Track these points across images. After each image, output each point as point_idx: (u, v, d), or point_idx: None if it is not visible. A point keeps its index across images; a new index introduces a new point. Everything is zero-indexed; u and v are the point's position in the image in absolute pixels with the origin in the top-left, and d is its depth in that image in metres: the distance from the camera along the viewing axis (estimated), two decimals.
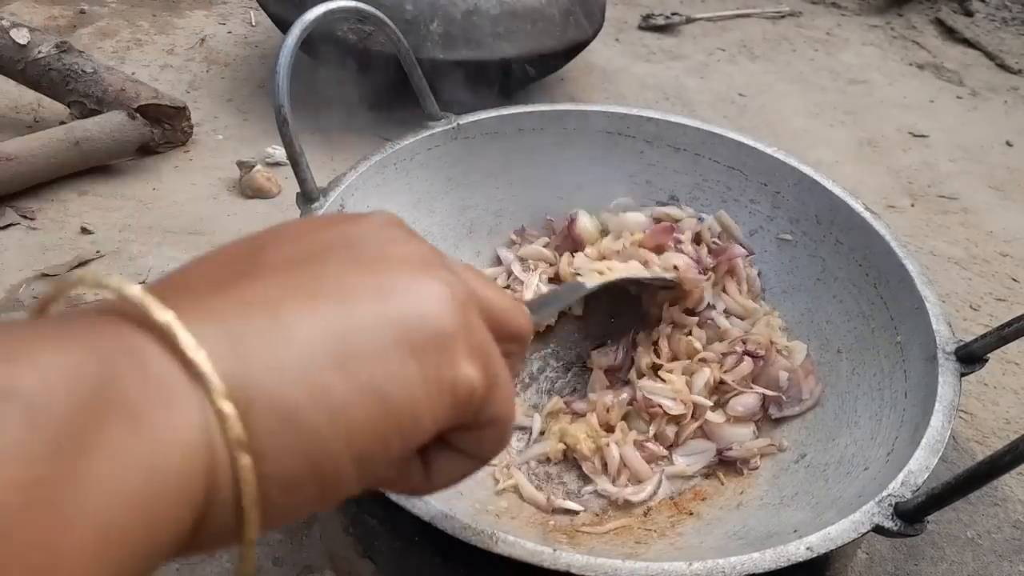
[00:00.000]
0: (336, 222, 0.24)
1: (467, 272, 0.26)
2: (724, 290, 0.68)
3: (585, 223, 0.71)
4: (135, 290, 0.18)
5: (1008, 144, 1.28)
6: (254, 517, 0.18)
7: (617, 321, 0.69)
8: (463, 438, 0.25)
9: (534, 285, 0.69)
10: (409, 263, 0.23)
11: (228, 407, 0.18)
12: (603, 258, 0.68)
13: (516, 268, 0.71)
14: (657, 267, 0.65)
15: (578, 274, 0.65)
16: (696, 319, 0.65)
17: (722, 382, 0.61)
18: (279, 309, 0.20)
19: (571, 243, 0.71)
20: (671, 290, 0.65)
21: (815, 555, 0.39)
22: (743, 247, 0.69)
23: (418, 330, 0.21)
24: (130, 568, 0.16)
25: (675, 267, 0.64)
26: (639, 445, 0.59)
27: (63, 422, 0.15)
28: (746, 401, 0.60)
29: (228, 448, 0.18)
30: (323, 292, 0.21)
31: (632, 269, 0.64)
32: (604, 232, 0.72)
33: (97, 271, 0.20)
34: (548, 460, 0.60)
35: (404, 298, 0.21)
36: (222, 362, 0.18)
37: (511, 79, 1.08)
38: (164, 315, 0.18)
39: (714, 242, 0.70)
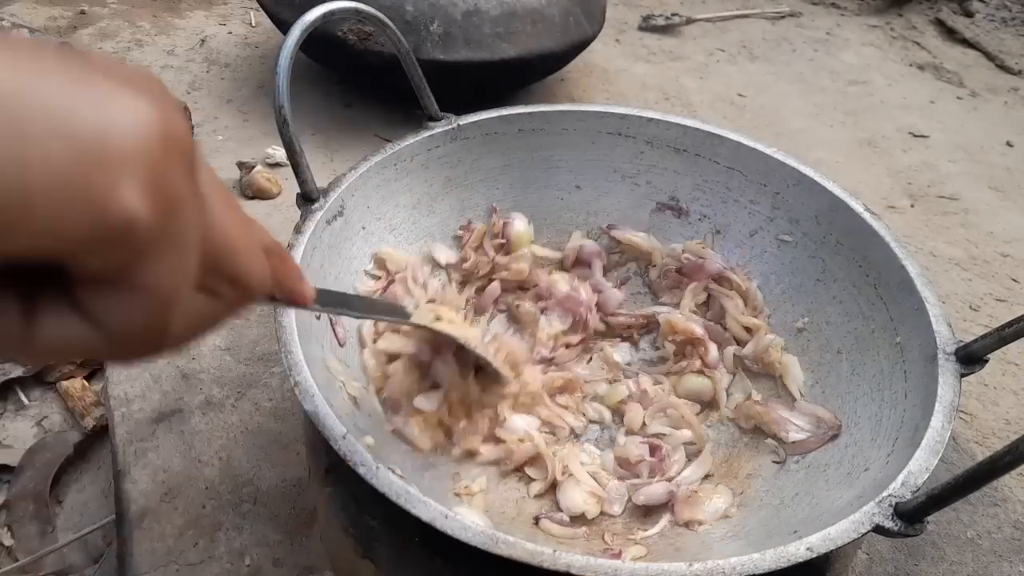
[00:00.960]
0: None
1: (214, 182, 0.22)
2: (722, 308, 0.68)
3: (520, 228, 0.72)
4: None
5: (1008, 144, 1.28)
6: None
7: None
8: (96, 295, 0.19)
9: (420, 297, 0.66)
10: (124, 79, 0.19)
11: None
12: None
13: (421, 271, 0.68)
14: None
15: (410, 308, 0.58)
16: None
17: None
18: None
19: (506, 242, 0.72)
20: (492, 376, 0.60)
21: (815, 555, 0.39)
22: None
23: (99, 128, 0.18)
24: None
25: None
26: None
27: None
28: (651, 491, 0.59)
29: None
30: (13, 52, 0.17)
31: (468, 333, 0.58)
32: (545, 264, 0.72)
33: None
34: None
35: (97, 95, 0.18)
36: None
37: (510, 81, 1.08)
38: None
39: (686, 257, 0.71)
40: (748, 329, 0.67)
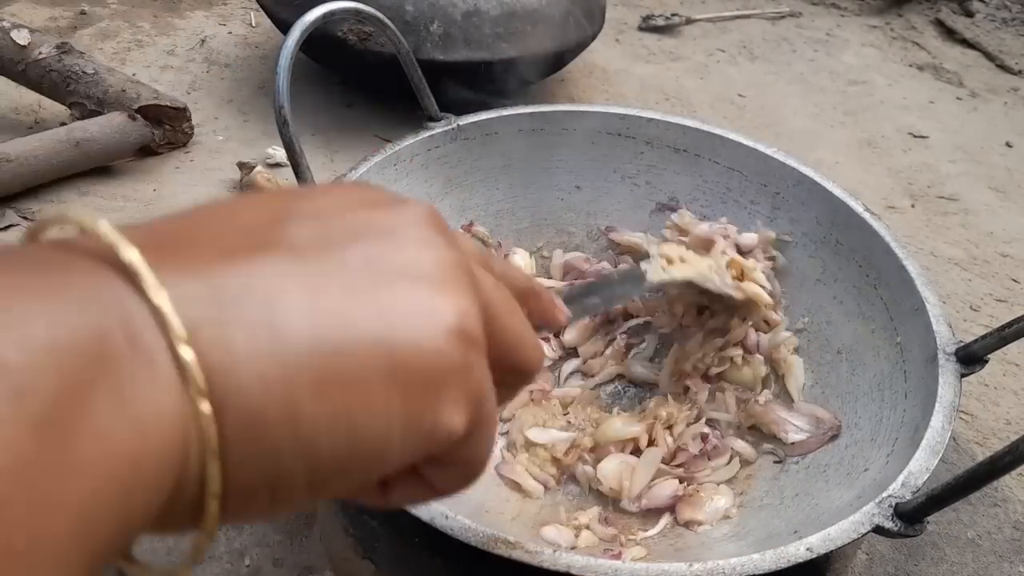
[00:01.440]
0: (370, 204, 0.22)
1: (495, 291, 0.24)
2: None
3: (519, 262, 0.71)
4: (129, 255, 0.17)
5: (1008, 145, 1.28)
6: (214, 513, 0.18)
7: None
8: (432, 470, 0.24)
9: None
10: (430, 280, 0.21)
11: (206, 409, 0.17)
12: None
13: None
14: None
15: (640, 260, 0.54)
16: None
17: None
18: (280, 301, 0.18)
19: None
20: (728, 311, 0.61)
21: (815, 556, 0.39)
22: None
23: (412, 363, 0.20)
24: (103, 551, 0.16)
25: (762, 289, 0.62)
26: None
27: (50, 403, 0.14)
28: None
29: (200, 451, 0.17)
30: (329, 292, 0.19)
31: (703, 272, 0.56)
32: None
33: (75, 209, 0.19)
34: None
35: (408, 323, 0.20)
36: (207, 355, 0.17)
37: (510, 80, 1.08)
38: (158, 295, 0.17)
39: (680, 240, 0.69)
40: (766, 322, 0.66)
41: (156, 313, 0.17)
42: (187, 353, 0.17)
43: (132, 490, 0.16)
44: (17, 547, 0.13)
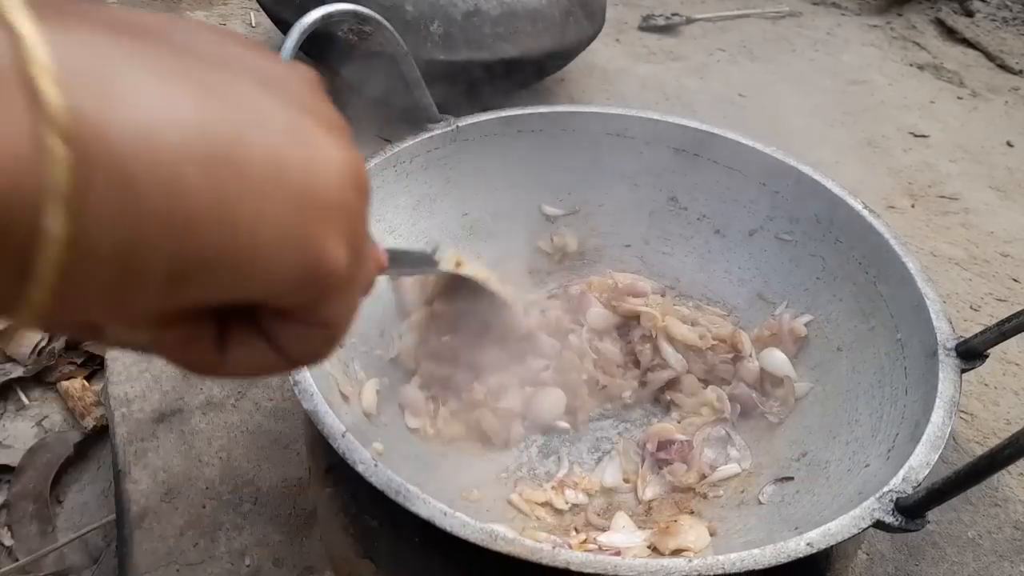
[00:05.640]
0: (256, 48, 0.21)
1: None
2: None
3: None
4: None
5: (1009, 144, 1.28)
6: (44, 275, 0.15)
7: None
8: (282, 328, 0.21)
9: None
10: (326, 123, 0.20)
11: (56, 146, 0.14)
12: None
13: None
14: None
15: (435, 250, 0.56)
16: None
17: None
18: (177, 79, 0.16)
19: None
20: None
21: (815, 551, 0.39)
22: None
23: (307, 183, 0.18)
24: None
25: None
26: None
27: None
28: None
29: (43, 197, 0.14)
30: (223, 87, 0.18)
31: (491, 277, 0.61)
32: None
33: None
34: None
35: (309, 148, 0.19)
36: (77, 90, 0.15)
37: (510, 80, 1.08)
38: (20, 18, 0.15)
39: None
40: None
41: (14, 38, 0.14)
42: (46, 84, 0.14)
43: None
44: None
